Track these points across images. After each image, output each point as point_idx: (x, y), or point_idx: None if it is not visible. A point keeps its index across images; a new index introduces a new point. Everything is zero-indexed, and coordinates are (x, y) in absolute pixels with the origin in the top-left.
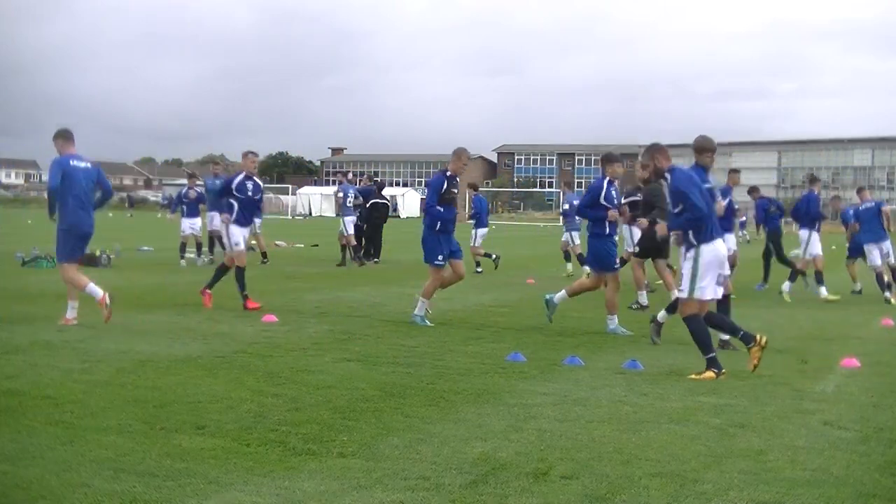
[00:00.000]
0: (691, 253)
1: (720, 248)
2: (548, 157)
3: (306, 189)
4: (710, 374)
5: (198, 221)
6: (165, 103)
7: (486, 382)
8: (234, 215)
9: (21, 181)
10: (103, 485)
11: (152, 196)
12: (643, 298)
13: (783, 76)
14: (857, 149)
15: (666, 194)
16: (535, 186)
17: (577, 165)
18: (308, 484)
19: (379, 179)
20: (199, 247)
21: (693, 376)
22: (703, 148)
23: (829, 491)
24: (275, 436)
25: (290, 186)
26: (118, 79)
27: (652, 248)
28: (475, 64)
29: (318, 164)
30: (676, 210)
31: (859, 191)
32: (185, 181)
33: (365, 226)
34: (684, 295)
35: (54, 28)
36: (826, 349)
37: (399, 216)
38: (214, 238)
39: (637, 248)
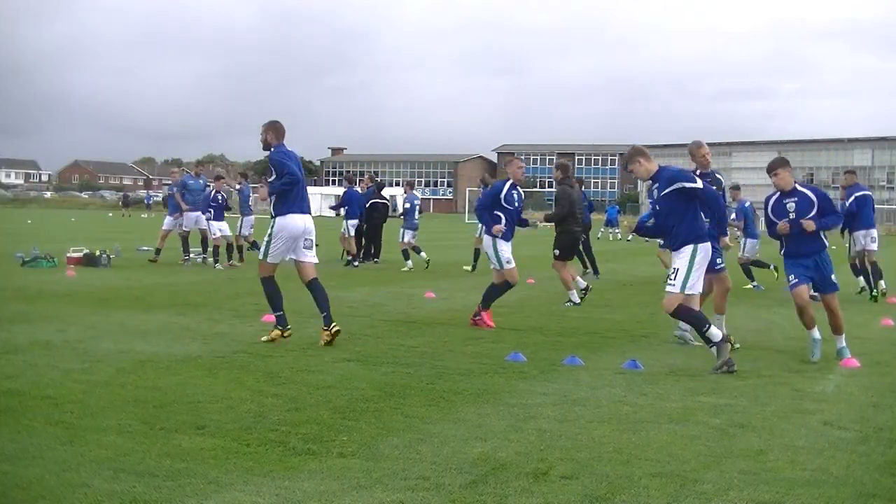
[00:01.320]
0: (687, 250)
1: (710, 247)
2: (548, 157)
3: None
4: (716, 350)
5: (225, 224)
6: (165, 103)
7: (486, 382)
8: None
9: (21, 181)
10: (103, 485)
11: (152, 195)
12: (574, 296)
13: (785, 76)
14: (857, 149)
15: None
16: (535, 186)
17: (577, 165)
18: (308, 484)
19: (379, 179)
20: (215, 249)
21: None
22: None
23: (829, 491)
24: (275, 436)
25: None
26: (118, 79)
27: (572, 247)
28: (476, 64)
29: (318, 164)
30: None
31: (733, 189)
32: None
33: (365, 226)
34: (675, 290)
35: (54, 28)
36: (826, 349)
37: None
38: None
39: (558, 251)
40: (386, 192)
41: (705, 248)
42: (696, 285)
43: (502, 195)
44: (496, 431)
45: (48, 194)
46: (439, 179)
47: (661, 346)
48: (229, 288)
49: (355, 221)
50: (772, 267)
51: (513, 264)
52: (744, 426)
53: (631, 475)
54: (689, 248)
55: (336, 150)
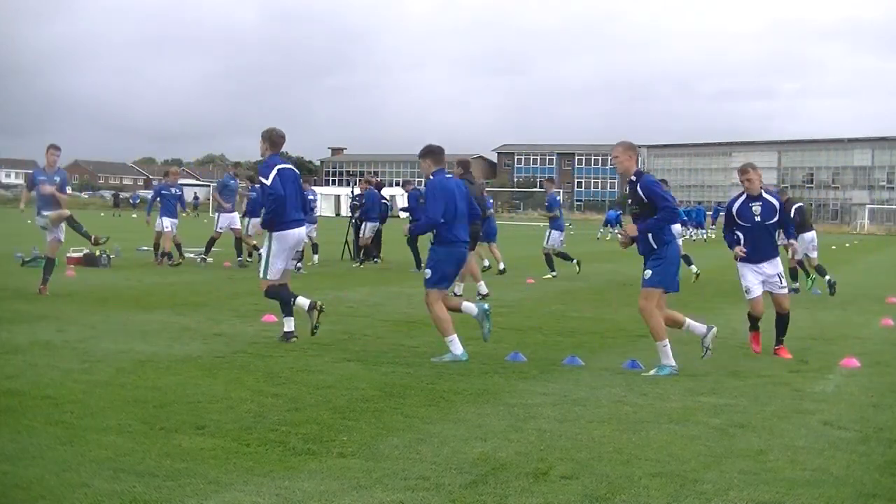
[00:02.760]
0: (662, 250)
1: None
2: (548, 157)
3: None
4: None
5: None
6: (165, 103)
7: (486, 382)
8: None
9: (21, 181)
10: (103, 485)
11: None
12: (482, 287)
13: (786, 76)
14: (857, 149)
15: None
16: (535, 186)
17: (576, 165)
18: (308, 484)
19: (378, 179)
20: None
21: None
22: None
23: (829, 491)
24: (275, 436)
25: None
26: (118, 79)
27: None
28: (476, 64)
29: (317, 164)
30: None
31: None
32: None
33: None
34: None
35: (55, 28)
36: (826, 349)
37: (399, 216)
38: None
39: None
40: (385, 191)
41: (677, 247)
42: (673, 285)
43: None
44: (496, 431)
45: None
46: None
47: None
48: (229, 288)
49: (375, 224)
50: (575, 261)
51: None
52: (744, 426)
53: (631, 475)
54: (665, 249)
55: (336, 150)
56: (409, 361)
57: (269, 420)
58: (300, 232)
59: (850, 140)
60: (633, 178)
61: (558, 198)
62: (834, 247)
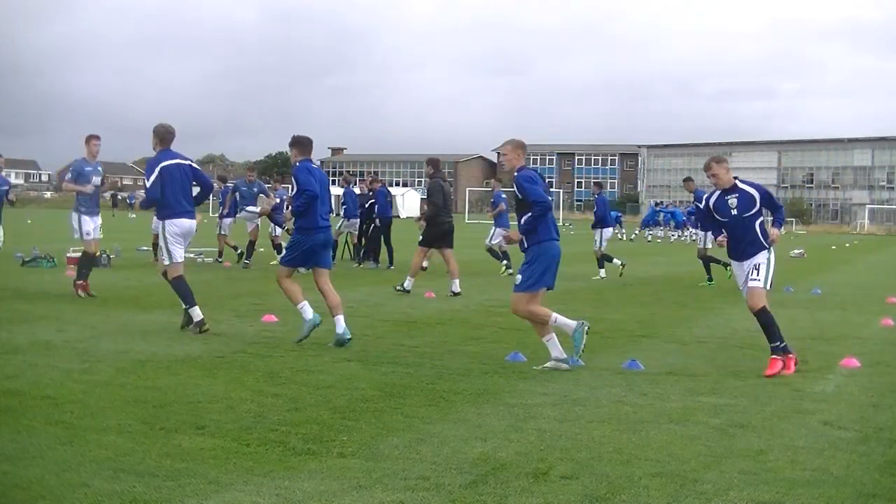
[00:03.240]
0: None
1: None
2: (548, 157)
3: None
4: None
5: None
6: (165, 103)
7: (486, 382)
8: None
9: (21, 181)
10: (103, 485)
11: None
12: (409, 284)
13: (786, 76)
14: (857, 149)
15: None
16: None
17: (576, 165)
18: (308, 484)
19: (356, 178)
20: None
21: None
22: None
23: (829, 491)
24: (275, 436)
25: (288, 187)
26: (118, 79)
27: (437, 238)
28: (476, 64)
29: (317, 163)
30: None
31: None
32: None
33: (366, 226)
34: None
35: (55, 28)
36: (826, 349)
37: (399, 216)
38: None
39: (422, 238)
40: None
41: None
42: (538, 284)
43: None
44: (496, 431)
45: (48, 194)
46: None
47: (661, 346)
48: (229, 288)
49: (355, 221)
50: (504, 264)
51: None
52: (744, 426)
53: (631, 475)
54: (534, 249)
55: (336, 150)
56: (409, 361)
57: (269, 420)
58: (191, 223)
59: (850, 140)
60: (515, 174)
61: (503, 195)
62: (834, 247)
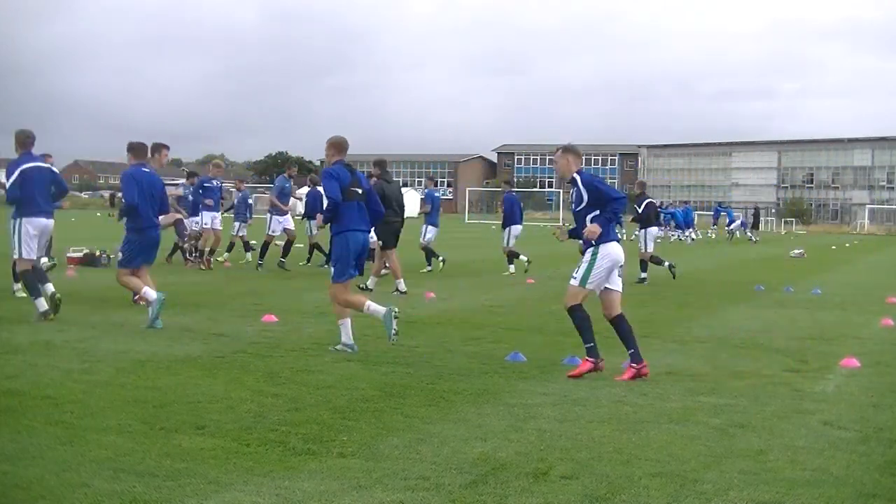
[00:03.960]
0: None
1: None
2: (548, 157)
3: (305, 190)
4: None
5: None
6: (165, 103)
7: (486, 382)
8: None
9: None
10: (103, 485)
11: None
12: (401, 286)
13: (786, 76)
14: (856, 149)
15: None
16: (535, 186)
17: None
18: (308, 484)
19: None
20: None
21: None
22: None
23: (829, 491)
24: (275, 436)
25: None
26: (118, 79)
27: (392, 238)
28: (476, 64)
29: (318, 164)
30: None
31: (428, 179)
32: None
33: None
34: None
35: (55, 28)
36: (826, 349)
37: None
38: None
39: (381, 242)
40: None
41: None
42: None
43: None
44: (496, 431)
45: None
46: (439, 179)
47: (661, 346)
48: (229, 288)
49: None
50: (441, 259)
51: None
52: (744, 426)
53: (631, 475)
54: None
55: None
56: (409, 361)
57: (269, 420)
58: (47, 222)
59: (850, 140)
60: (578, 175)
61: (437, 194)
62: (834, 247)
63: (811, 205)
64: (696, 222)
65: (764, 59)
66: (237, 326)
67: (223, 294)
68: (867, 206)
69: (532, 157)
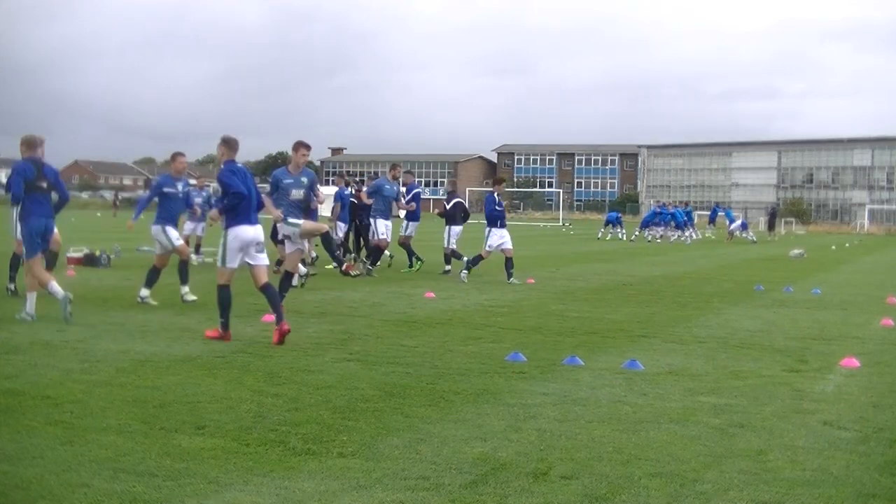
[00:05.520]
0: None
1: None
2: (548, 157)
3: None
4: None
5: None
6: (166, 103)
7: (486, 382)
8: None
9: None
10: (103, 485)
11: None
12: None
13: (790, 76)
14: (857, 149)
15: None
16: (535, 186)
17: (576, 165)
18: (308, 484)
19: (359, 179)
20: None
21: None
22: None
23: (829, 491)
24: (275, 436)
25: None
26: (119, 79)
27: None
28: (479, 65)
29: (318, 164)
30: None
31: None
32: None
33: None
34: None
35: (56, 28)
36: (826, 349)
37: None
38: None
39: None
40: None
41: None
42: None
43: None
44: (496, 431)
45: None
46: (439, 179)
47: (661, 346)
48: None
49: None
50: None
51: None
52: (744, 426)
53: (631, 475)
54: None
55: (336, 150)
56: (409, 361)
57: (269, 420)
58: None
59: (850, 140)
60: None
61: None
62: (834, 247)
63: (811, 205)
64: (696, 222)
65: (768, 60)
66: (237, 326)
67: None
68: (867, 206)
69: (532, 157)
